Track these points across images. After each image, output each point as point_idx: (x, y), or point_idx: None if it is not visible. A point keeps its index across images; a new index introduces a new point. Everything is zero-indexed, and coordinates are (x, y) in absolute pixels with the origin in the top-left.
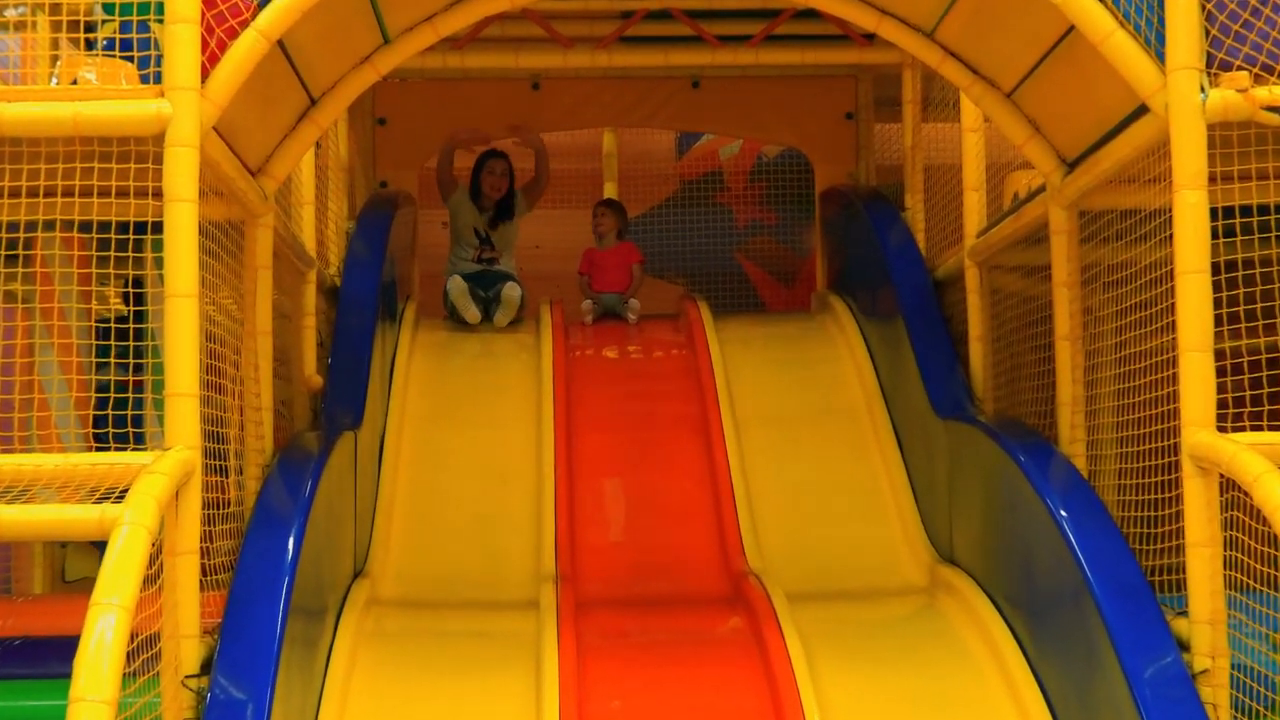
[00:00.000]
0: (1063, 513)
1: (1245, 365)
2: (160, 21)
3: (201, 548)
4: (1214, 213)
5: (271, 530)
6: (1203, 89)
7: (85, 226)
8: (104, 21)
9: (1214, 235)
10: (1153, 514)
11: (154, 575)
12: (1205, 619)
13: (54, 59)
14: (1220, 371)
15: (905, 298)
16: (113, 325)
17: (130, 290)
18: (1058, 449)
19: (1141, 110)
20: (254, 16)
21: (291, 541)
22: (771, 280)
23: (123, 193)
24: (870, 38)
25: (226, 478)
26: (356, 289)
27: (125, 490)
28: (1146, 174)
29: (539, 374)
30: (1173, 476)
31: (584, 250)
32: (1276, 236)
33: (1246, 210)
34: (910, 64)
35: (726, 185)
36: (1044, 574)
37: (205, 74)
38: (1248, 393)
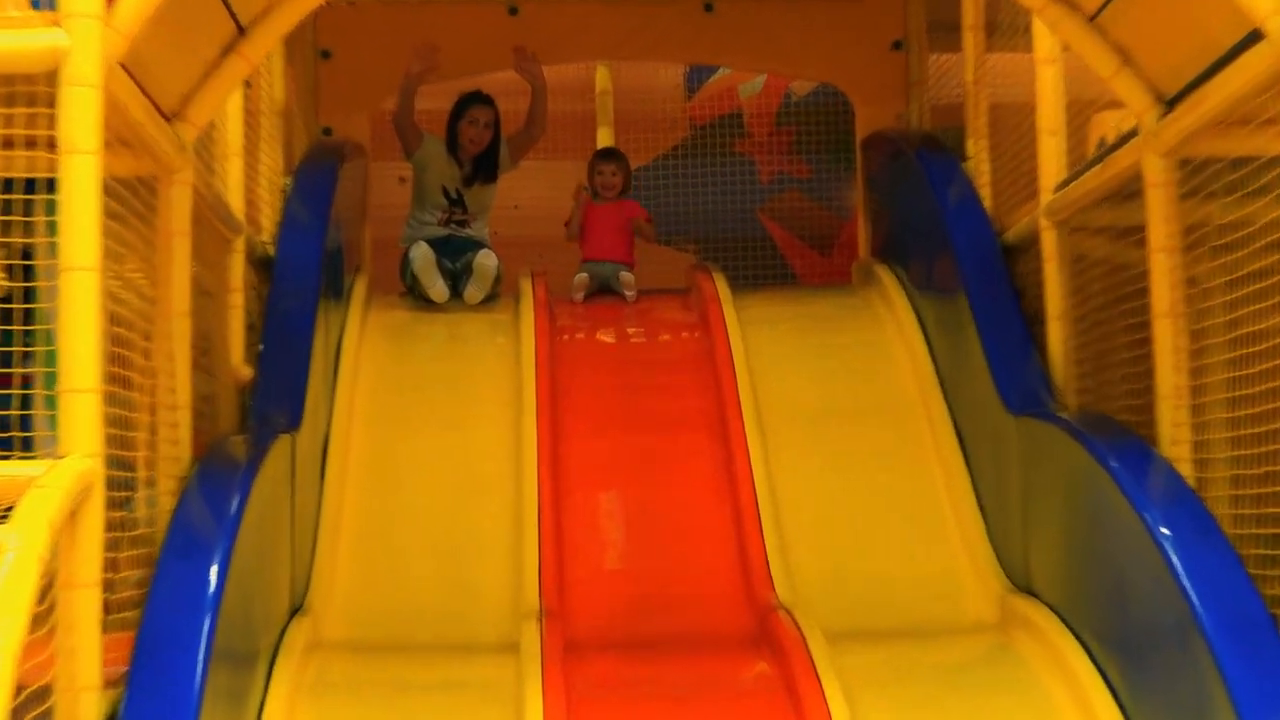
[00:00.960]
0: (1164, 530)
1: None
2: None
3: (104, 579)
4: None
5: (190, 558)
6: None
7: None
8: None
9: None
10: (1276, 531)
11: (45, 614)
12: None
13: None
14: None
15: (968, 267)
16: None
17: (16, 263)
18: (1157, 452)
19: (1254, 36)
20: None
21: (214, 572)
22: (803, 246)
23: (7, 143)
24: None
25: (135, 492)
26: (294, 259)
27: (9, 509)
28: (1262, 114)
29: (518, 363)
30: None
31: (581, 199)
32: None
33: None
34: None
35: (747, 131)
36: (1142, 605)
37: None
38: None
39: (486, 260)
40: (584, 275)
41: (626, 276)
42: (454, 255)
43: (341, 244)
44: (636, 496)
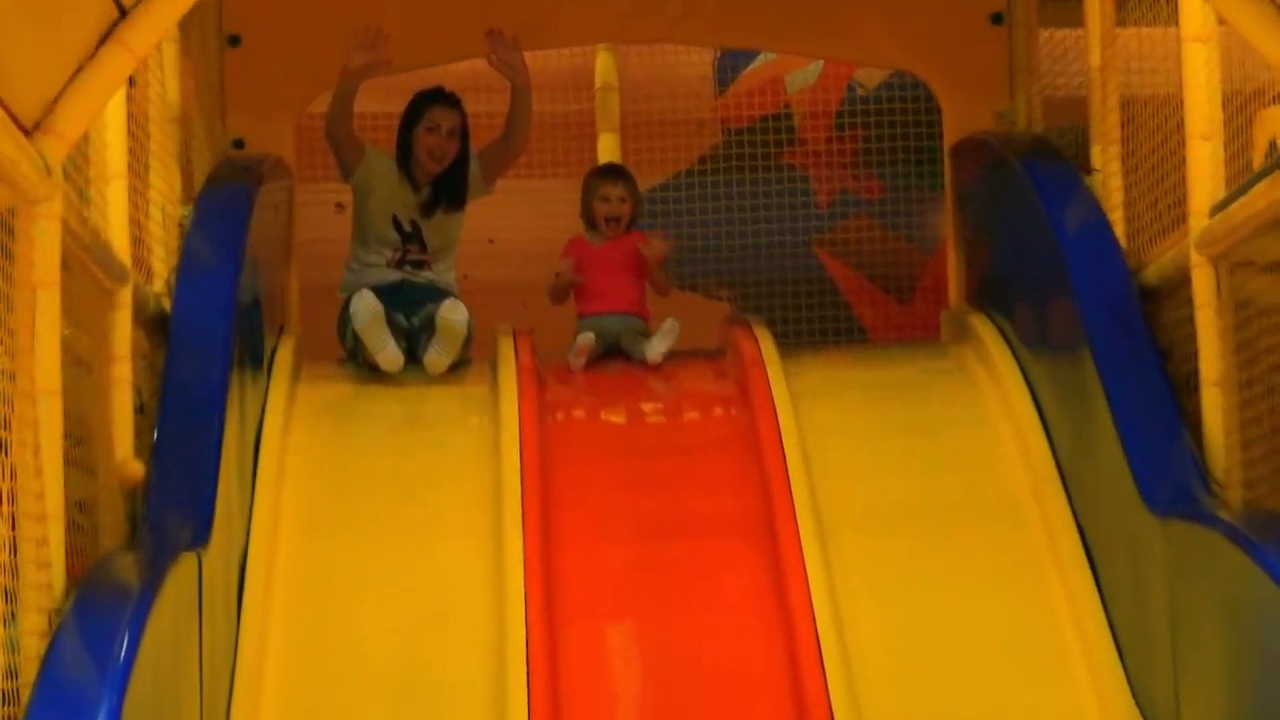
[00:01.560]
0: None
1: None
2: None
3: None
4: None
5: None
6: None
7: None
8: None
9: None
10: None
11: None
12: None
13: None
14: None
15: (1094, 317)
16: None
17: None
18: None
19: None
20: None
21: None
22: (874, 290)
23: None
24: None
25: None
26: (197, 316)
27: None
28: None
29: (498, 452)
30: None
31: (566, 242)
32: None
33: None
34: None
35: (799, 136)
36: None
37: None
38: None
39: (452, 315)
40: (588, 335)
41: (669, 326)
42: (409, 307)
43: (260, 294)
44: (656, 629)
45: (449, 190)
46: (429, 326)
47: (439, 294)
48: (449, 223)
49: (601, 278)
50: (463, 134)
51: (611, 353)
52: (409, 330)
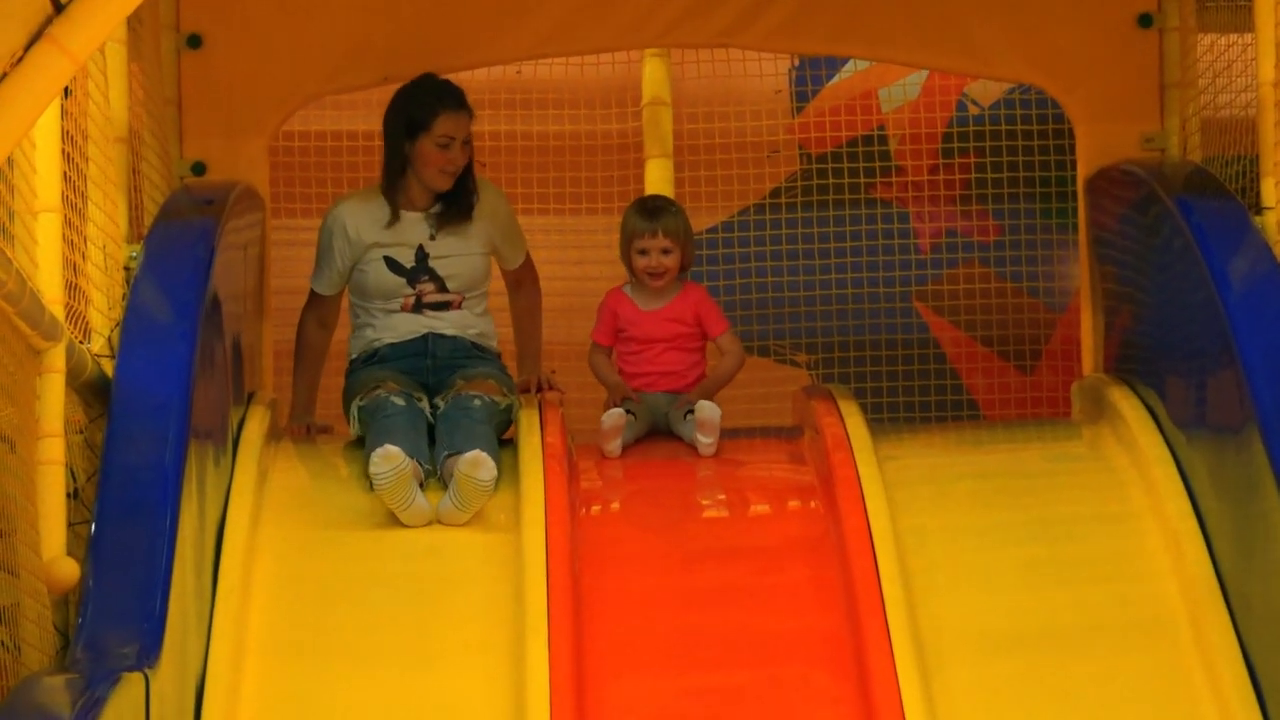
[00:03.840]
0: None
1: None
2: None
3: None
4: None
5: None
6: None
7: None
8: None
9: None
10: None
11: None
12: None
13: None
14: None
15: (1264, 394)
16: None
17: None
18: None
19: None
20: None
21: None
22: (989, 356)
23: None
24: None
25: None
26: (145, 383)
27: None
28: None
29: (518, 554)
30: None
31: (605, 296)
32: None
33: None
34: None
35: (896, 165)
36: None
37: None
38: None
39: (476, 473)
40: (617, 413)
41: (709, 411)
42: (435, 375)
43: (224, 355)
44: None
45: (458, 199)
46: (464, 423)
47: (470, 355)
48: (464, 238)
49: (648, 347)
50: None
51: (658, 433)
52: (428, 389)
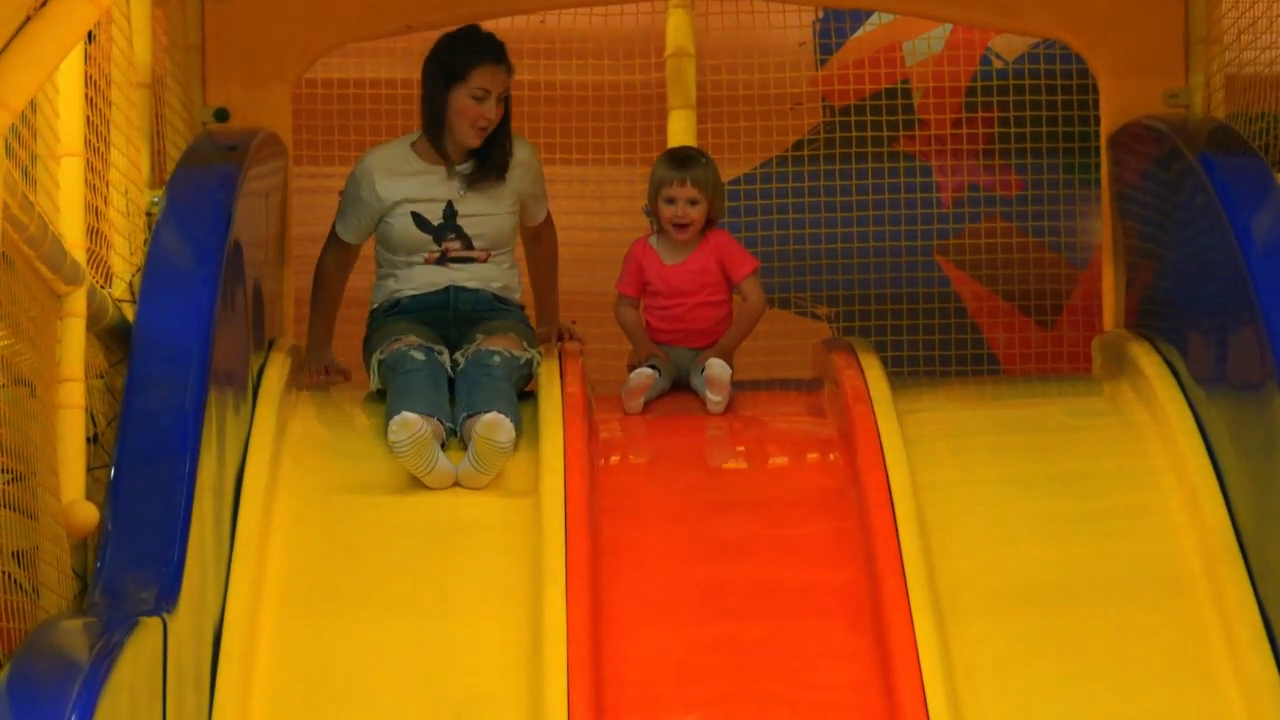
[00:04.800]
0: None
1: None
2: None
3: None
4: None
5: None
6: None
7: None
8: None
9: None
10: None
11: None
12: None
13: None
14: None
15: None
16: None
17: None
18: None
19: None
20: None
21: None
22: (1010, 310)
23: None
24: None
25: None
26: (166, 329)
27: None
28: None
29: (537, 503)
30: None
31: (631, 246)
32: None
33: None
34: None
35: (919, 119)
36: None
37: None
38: None
39: (494, 435)
40: (644, 372)
41: (716, 369)
42: (457, 328)
43: (245, 301)
44: None
45: (491, 157)
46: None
47: (492, 307)
48: (496, 197)
49: (676, 302)
50: (507, 101)
51: (682, 386)
52: (452, 344)
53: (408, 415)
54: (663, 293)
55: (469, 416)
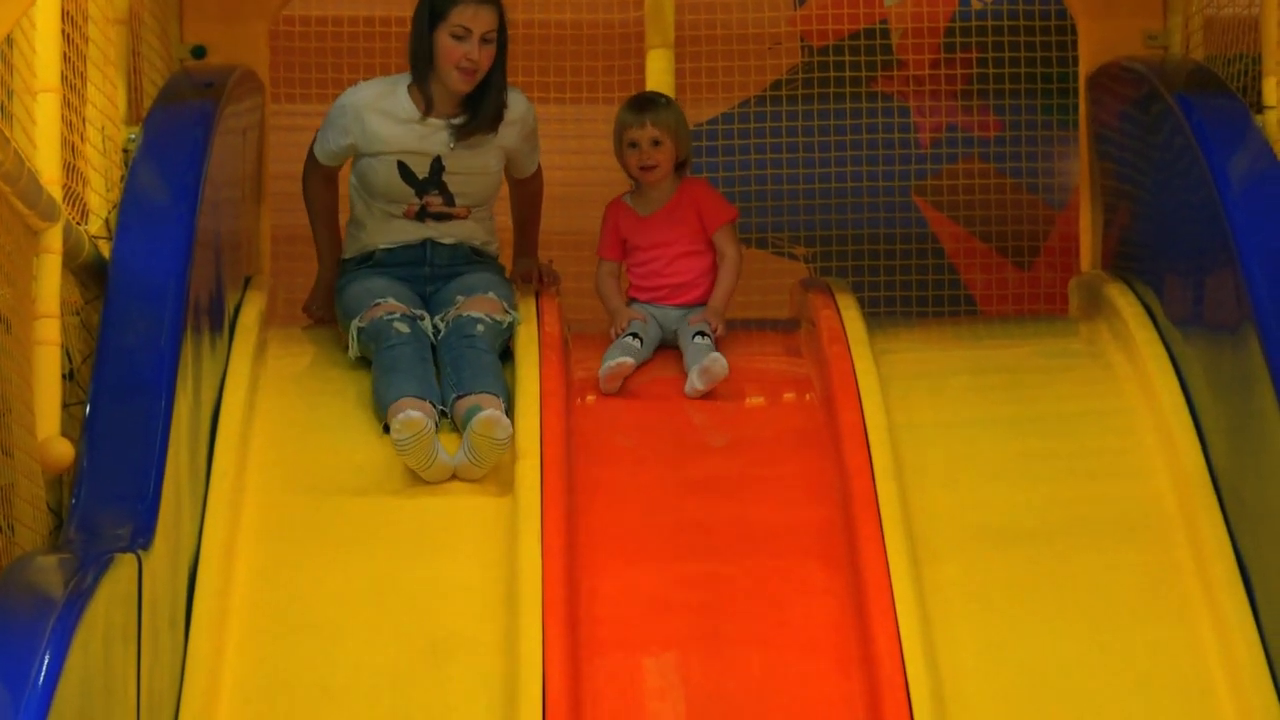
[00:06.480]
0: None
1: None
2: None
3: None
4: None
5: None
6: None
7: None
8: None
9: None
10: None
11: None
12: None
13: None
14: None
15: (1262, 292)
16: None
17: None
18: None
19: None
20: None
21: None
22: (987, 251)
23: None
24: None
25: None
26: (143, 266)
27: None
28: None
29: (514, 445)
30: None
31: (605, 209)
32: None
33: None
34: None
35: (898, 60)
36: None
37: None
38: None
39: (491, 432)
40: (625, 361)
41: (718, 366)
42: (432, 284)
43: (221, 239)
44: (705, 667)
45: (482, 110)
46: (452, 308)
47: (470, 262)
48: (483, 153)
49: (654, 255)
50: (501, 38)
51: (667, 346)
52: (425, 299)
53: (412, 414)
54: (642, 246)
55: (460, 397)
